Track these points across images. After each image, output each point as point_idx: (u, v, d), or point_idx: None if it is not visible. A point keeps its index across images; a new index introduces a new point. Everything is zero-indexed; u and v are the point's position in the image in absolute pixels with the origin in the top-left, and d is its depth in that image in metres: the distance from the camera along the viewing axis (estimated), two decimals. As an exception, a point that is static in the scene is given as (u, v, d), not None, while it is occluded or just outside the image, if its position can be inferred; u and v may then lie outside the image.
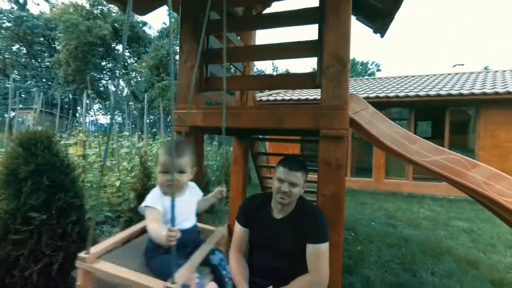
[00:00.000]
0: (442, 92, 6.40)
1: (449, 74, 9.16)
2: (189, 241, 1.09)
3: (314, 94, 8.07)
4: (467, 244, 3.37)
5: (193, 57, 1.75)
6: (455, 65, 12.90)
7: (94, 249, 0.93)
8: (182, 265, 0.92)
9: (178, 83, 1.78)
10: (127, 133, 6.07)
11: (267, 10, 3.01)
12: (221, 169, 1.34)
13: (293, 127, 1.45)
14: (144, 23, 20.19)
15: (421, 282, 2.28)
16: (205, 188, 4.74)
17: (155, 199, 1.04)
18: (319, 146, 1.46)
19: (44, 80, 22.05)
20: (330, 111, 1.38)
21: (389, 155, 7.23)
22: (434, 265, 2.67)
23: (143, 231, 1.21)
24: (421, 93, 6.50)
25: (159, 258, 1.01)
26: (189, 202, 1.17)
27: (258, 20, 1.74)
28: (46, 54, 22.29)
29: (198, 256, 1.02)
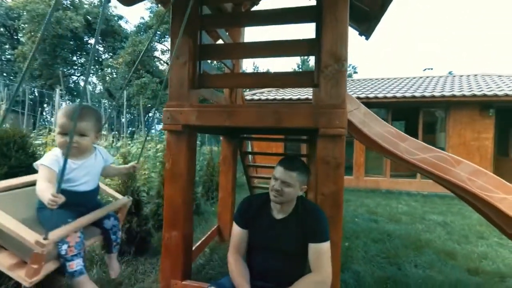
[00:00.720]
0: (416, 94, 6.79)
1: (421, 77, 9.76)
2: (85, 203, 1.16)
3: (297, 93, 8.17)
4: (443, 236, 3.59)
5: (185, 53, 1.67)
6: (425, 69, 13.78)
7: None
8: (69, 223, 1.00)
9: (170, 80, 1.69)
10: (104, 133, 5.73)
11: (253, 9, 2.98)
12: (142, 148, 1.34)
13: (292, 125, 1.44)
14: (120, 17, 19.19)
15: (406, 275, 2.38)
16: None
17: (52, 159, 1.05)
18: (318, 145, 1.46)
19: (5, 74, 20.17)
20: (329, 110, 1.39)
21: (369, 153, 7.54)
22: (417, 257, 2.81)
23: None
24: (398, 95, 6.85)
25: (46, 212, 1.03)
26: (92, 166, 1.20)
27: (254, 16, 1.70)
28: (7, 46, 20.39)
29: (86, 218, 1.09)
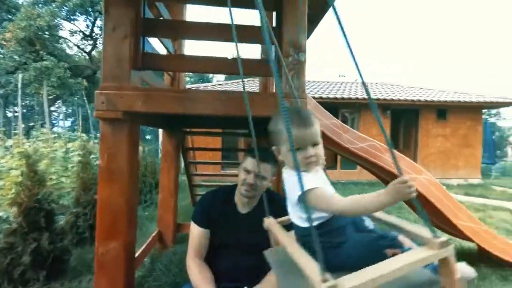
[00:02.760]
0: (337, 96, 7.80)
1: (338, 82, 11.31)
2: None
3: (237, 87, 8.17)
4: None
5: (125, 25, 1.37)
6: (340, 76, 16.11)
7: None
8: None
9: (104, 56, 1.36)
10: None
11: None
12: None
13: (258, 114, 1.37)
14: (5, -19, 14.79)
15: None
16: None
17: (314, 179, 0.78)
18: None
19: None
20: (292, 99, 1.38)
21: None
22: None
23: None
24: (324, 95, 7.71)
25: None
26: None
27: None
28: None
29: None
